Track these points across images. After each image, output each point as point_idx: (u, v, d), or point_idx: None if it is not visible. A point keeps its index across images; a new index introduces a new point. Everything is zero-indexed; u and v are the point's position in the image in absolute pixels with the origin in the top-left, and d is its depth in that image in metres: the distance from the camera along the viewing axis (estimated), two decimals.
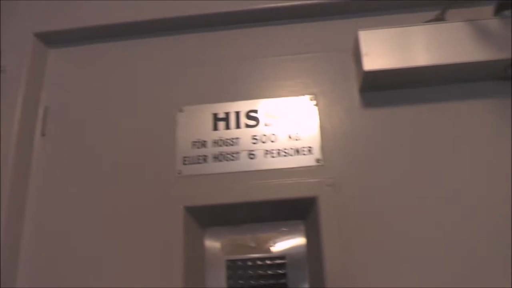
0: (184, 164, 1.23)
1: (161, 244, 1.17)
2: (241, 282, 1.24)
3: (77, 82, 1.35)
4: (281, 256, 1.25)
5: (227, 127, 1.25)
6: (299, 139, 1.22)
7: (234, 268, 1.25)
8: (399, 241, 1.14)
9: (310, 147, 1.22)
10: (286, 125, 1.24)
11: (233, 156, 1.22)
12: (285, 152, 1.21)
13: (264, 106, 1.26)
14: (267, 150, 1.22)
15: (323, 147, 1.22)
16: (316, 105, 1.26)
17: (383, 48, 1.20)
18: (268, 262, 1.25)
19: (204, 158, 1.22)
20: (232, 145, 1.23)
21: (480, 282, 1.08)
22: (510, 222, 1.12)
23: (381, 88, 1.25)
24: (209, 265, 1.25)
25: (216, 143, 1.23)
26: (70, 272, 1.18)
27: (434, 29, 1.22)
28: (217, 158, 1.22)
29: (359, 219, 1.16)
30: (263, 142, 1.23)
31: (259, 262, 1.25)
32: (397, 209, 1.16)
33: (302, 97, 1.27)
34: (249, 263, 1.25)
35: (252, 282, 1.23)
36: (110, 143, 1.28)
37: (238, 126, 1.25)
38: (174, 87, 1.31)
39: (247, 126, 1.25)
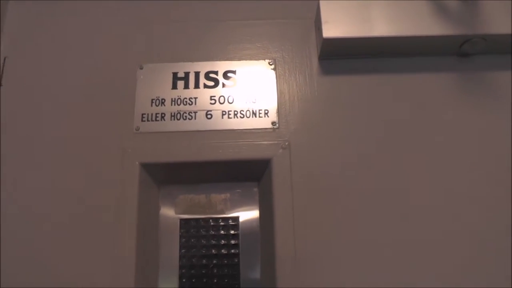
0: (143, 120, 1.23)
1: (116, 199, 1.17)
2: (193, 240, 1.25)
3: (38, 34, 1.32)
4: (234, 217, 1.27)
5: (186, 86, 1.26)
6: (256, 102, 1.24)
7: (187, 227, 1.26)
8: (350, 206, 1.17)
9: (266, 110, 1.23)
10: (244, 88, 1.26)
11: (190, 115, 1.23)
12: (241, 114, 1.23)
13: (223, 68, 1.27)
14: (224, 111, 1.23)
15: (279, 111, 1.24)
16: (275, 69, 1.28)
17: (343, 17, 1.23)
18: (221, 223, 1.27)
19: (162, 116, 1.23)
20: (190, 104, 1.24)
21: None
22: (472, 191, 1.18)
23: (340, 56, 1.28)
24: (162, 223, 1.27)
25: (174, 101, 1.24)
26: (24, 218, 1.18)
27: (395, 2, 1.25)
28: (175, 116, 1.23)
29: (313, 183, 1.19)
30: (221, 103, 1.24)
31: (212, 223, 1.27)
32: (349, 174, 1.19)
33: (262, 61, 1.28)
34: (202, 223, 1.27)
35: (203, 241, 1.25)
36: (69, 97, 1.26)
37: (197, 86, 1.26)
38: (135, 44, 1.30)
39: (206, 86, 1.26)
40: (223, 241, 1.25)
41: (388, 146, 1.21)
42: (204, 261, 1.24)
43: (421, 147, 1.21)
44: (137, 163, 1.20)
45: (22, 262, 1.13)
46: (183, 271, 1.23)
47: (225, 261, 1.24)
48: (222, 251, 1.24)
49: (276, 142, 1.21)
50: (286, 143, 1.20)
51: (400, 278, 1.11)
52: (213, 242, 1.25)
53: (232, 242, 1.25)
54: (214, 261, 1.24)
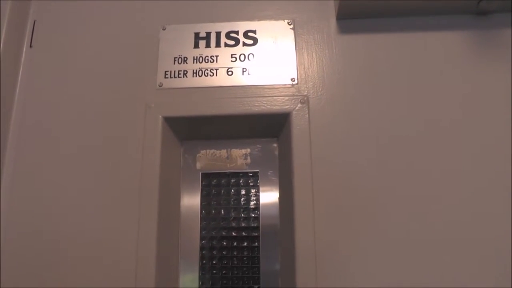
0: (165, 77, 1.28)
1: (140, 152, 1.22)
2: (214, 192, 1.29)
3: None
4: (255, 171, 1.31)
5: (208, 45, 1.30)
6: (275, 59, 1.27)
7: (208, 180, 1.31)
8: (368, 157, 1.19)
9: (285, 67, 1.27)
10: (264, 46, 1.29)
11: (212, 72, 1.27)
12: (261, 71, 1.27)
13: (244, 28, 1.31)
14: (244, 68, 1.27)
15: (298, 68, 1.27)
16: (293, 29, 1.31)
17: None
18: (241, 177, 1.31)
19: (185, 73, 1.27)
20: (211, 62, 1.28)
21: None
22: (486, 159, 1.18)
23: (358, 16, 1.30)
24: (184, 177, 1.31)
25: (196, 59, 1.28)
26: (53, 164, 1.24)
27: None
28: (196, 73, 1.27)
29: (331, 136, 1.21)
30: (241, 61, 1.28)
31: (232, 177, 1.31)
32: (366, 128, 1.21)
33: (281, 21, 1.32)
34: (223, 177, 1.31)
35: (223, 191, 1.29)
36: (96, 55, 1.32)
37: (218, 45, 1.30)
38: (159, 7, 1.35)
39: (227, 45, 1.30)
40: (244, 194, 1.29)
41: (406, 103, 1.23)
42: (223, 212, 1.27)
43: (440, 107, 1.22)
44: (160, 116, 1.24)
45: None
46: (204, 223, 1.27)
47: (244, 215, 1.27)
48: (242, 203, 1.28)
49: (295, 96, 1.24)
50: (305, 98, 1.23)
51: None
52: (233, 196, 1.29)
53: (252, 196, 1.29)
54: (233, 214, 1.27)
